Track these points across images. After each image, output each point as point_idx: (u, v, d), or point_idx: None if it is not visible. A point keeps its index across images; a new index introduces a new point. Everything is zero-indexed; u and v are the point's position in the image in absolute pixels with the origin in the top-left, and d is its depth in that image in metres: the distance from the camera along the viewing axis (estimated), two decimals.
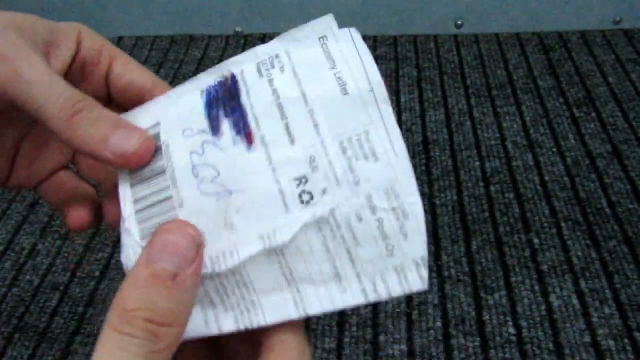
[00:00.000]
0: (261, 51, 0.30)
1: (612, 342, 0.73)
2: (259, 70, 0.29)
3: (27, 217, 0.93)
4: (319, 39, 0.30)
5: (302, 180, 0.27)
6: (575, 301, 0.77)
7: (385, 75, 1.19)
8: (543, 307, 0.77)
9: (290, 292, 0.27)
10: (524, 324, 0.75)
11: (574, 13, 1.28)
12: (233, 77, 0.29)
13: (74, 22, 0.34)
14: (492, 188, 0.94)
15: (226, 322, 0.27)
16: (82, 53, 0.33)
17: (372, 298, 0.27)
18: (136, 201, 0.28)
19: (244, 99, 0.28)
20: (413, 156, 1.01)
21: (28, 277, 0.84)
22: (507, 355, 0.72)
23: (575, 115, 1.08)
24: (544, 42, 1.26)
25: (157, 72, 1.23)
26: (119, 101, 0.35)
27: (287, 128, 0.27)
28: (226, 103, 0.29)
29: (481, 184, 0.95)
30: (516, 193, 0.93)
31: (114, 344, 0.23)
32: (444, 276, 0.81)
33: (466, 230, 0.88)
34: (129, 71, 0.34)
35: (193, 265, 0.25)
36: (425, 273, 0.26)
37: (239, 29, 1.28)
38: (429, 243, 0.86)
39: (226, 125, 0.28)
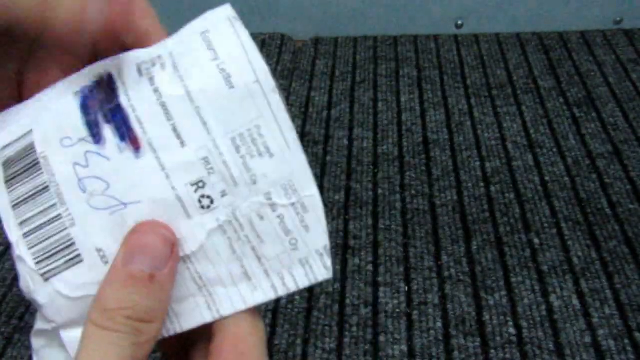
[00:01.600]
0: (142, 51, 0.28)
1: (612, 342, 0.73)
2: (139, 70, 0.27)
3: None
4: (201, 33, 0.27)
5: (199, 184, 0.26)
6: (575, 301, 0.77)
7: (385, 75, 1.19)
8: (543, 307, 0.77)
9: (202, 296, 0.27)
10: (524, 324, 0.75)
11: (574, 13, 1.28)
12: (109, 76, 0.27)
13: None
14: (492, 188, 0.94)
15: None
16: None
17: (282, 292, 0.27)
18: (22, 223, 0.27)
19: (124, 100, 0.27)
20: (413, 156, 1.00)
21: None
22: (507, 356, 0.72)
23: (575, 115, 1.08)
24: (544, 42, 1.26)
25: None
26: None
27: (175, 129, 0.26)
28: (104, 106, 0.27)
29: (481, 184, 0.95)
30: (516, 193, 0.93)
31: (98, 338, 0.24)
32: (444, 276, 0.81)
33: (466, 230, 0.88)
34: None
35: (168, 265, 0.25)
36: (329, 262, 0.27)
37: None
38: (429, 243, 0.86)
39: (108, 132, 0.26)
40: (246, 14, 1.26)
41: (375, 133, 1.05)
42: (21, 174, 0.27)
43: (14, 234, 0.27)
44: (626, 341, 0.73)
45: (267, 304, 0.79)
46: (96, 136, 0.26)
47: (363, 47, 1.26)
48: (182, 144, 0.26)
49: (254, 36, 0.28)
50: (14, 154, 0.27)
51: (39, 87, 0.32)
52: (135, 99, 0.26)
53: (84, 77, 0.28)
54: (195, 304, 0.27)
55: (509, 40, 1.27)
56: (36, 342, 0.28)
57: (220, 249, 0.26)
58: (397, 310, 0.78)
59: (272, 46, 1.26)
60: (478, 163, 0.98)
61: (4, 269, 0.85)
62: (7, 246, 0.89)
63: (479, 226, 0.88)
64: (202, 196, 0.26)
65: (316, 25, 1.28)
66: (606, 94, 1.12)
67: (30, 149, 0.27)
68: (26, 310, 0.80)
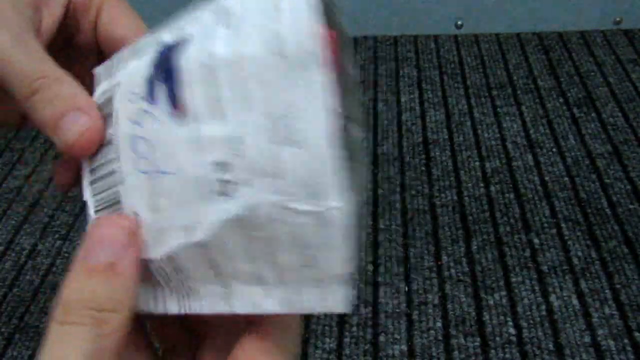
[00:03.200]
0: (215, 3, 0.25)
1: (612, 342, 0.73)
2: (207, 27, 0.25)
3: (27, 217, 0.93)
4: None
5: (226, 166, 0.23)
6: (575, 301, 0.77)
7: (385, 75, 1.19)
8: (543, 307, 0.77)
9: (219, 284, 0.25)
10: (524, 324, 0.75)
11: (574, 13, 1.28)
12: (188, 37, 0.25)
13: None
14: (492, 188, 0.94)
15: (171, 304, 0.26)
16: None
17: (298, 308, 0.24)
18: (92, 170, 0.26)
19: (182, 60, 0.24)
20: (413, 156, 1.00)
21: (28, 277, 0.84)
22: (507, 355, 0.72)
23: (575, 115, 1.08)
24: (544, 42, 1.26)
25: None
26: (106, 53, 0.31)
27: (219, 100, 0.23)
28: (164, 65, 0.25)
29: (481, 184, 0.95)
30: (516, 193, 0.93)
31: (60, 335, 0.23)
32: (444, 276, 0.81)
33: (466, 230, 0.88)
34: (113, 20, 0.31)
35: (129, 252, 0.25)
36: (347, 292, 0.22)
37: None
38: (429, 243, 0.86)
39: (162, 92, 0.24)
40: None
41: (375, 133, 1.05)
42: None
43: (85, 178, 0.26)
44: (626, 341, 0.73)
45: None
46: (151, 94, 0.24)
47: (363, 47, 1.26)
48: (222, 116, 0.23)
49: None
50: (101, 102, 0.27)
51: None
52: (191, 61, 0.24)
53: (170, 33, 0.26)
54: (213, 291, 0.25)
55: (508, 40, 1.27)
56: None
57: (234, 244, 0.24)
58: (397, 310, 0.78)
59: None
60: (478, 163, 0.99)
61: (4, 269, 0.85)
62: (7, 246, 0.89)
63: (479, 226, 0.88)
64: (226, 181, 0.23)
65: None
66: (606, 94, 1.12)
67: (110, 99, 0.26)
68: (26, 310, 0.80)
